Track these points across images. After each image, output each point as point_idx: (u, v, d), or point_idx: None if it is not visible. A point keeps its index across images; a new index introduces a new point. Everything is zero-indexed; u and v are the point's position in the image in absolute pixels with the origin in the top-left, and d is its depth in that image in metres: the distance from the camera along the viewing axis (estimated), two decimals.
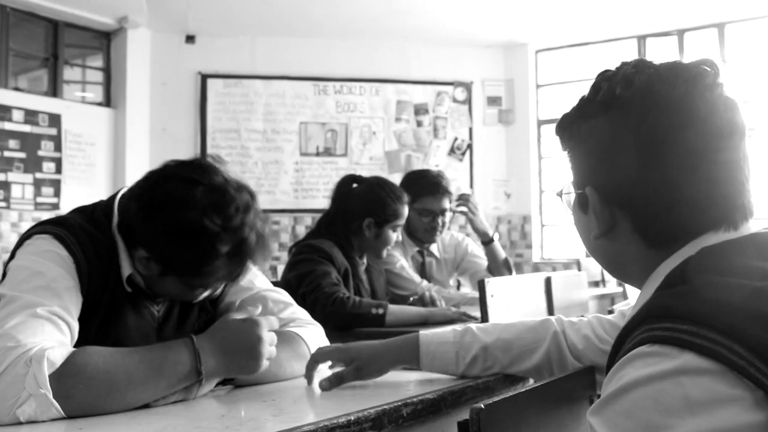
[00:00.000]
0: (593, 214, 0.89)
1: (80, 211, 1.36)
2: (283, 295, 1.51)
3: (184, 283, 1.30)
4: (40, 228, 1.28)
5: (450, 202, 3.17)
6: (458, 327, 1.31)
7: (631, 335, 0.71)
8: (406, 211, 2.67)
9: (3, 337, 1.06)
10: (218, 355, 1.16)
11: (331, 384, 1.25)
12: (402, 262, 3.05)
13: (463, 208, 3.23)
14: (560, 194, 0.96)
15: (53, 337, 1.10)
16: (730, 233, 0.81)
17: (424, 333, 1.30)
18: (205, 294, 1.36)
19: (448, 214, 3.17)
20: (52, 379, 1.02)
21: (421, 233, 3.13)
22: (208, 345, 1.15)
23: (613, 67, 0.91)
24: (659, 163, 0.82)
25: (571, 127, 0.92)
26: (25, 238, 1.27)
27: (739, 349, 0.62)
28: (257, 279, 1.52)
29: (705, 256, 0.78)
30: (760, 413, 0.61)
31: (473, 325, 1.30)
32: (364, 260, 2.70)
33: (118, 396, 1.07)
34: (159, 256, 1.26)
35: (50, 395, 1.01)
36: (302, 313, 1.50)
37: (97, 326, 1.28)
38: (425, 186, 3.10)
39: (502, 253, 3.24)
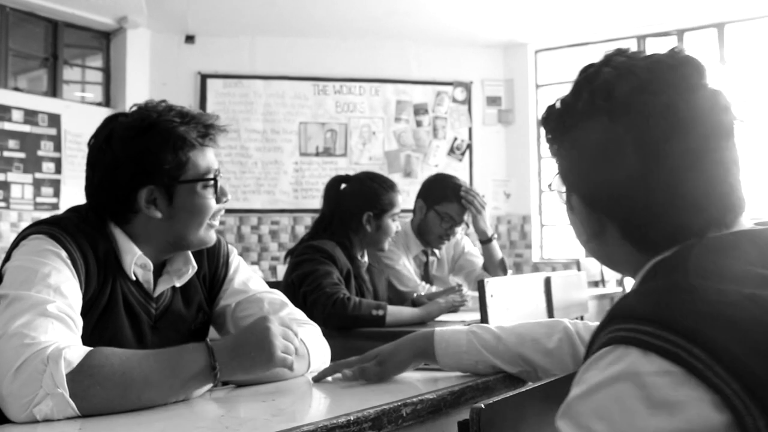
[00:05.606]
0: (580, 219, 0.89)
1: (75, 211, 1.37)
2: (279, 296, 1.51)
3: (191, 191, 1.34)
4: (35, 228, 1.28)
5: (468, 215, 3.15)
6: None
7: (599, 336, 0.71)
8: (399, 198, 2.68)
9: (16, 336, 1.06)
10: (231, 353, 1.15)
11: (354, 375, 1.28)
12: (404, 260, 3.05)
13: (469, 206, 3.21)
14: (551, 188, 0.95)
15: (64, 334, 1.11)
16: (720, 233, 0.79)
17: (439, 328, 1.34)
18: (219, 185, 1.39)
19: (462, 228, 3.16)
20: (68, 378, 1.02)
21: (434, 237, 3.11)
22: (220, 344, 1.16)
23: (596, 61, 0.88)
24: (643, 172, 0.81)
25: (554, 132, 0.91)
26: (20, 238, 1.27)
27: (700, 353, 0.63)
28: (251, 281, 1.52)
29: (679, 255, 0.78)
30: (719, 415, 0.62)
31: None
32: (366, 260, 2.70)
33: (133, 397, 1.07)
34: (145, 173, 1.32)
35: (67, 395, 1.01)
36: (299, 314, 1.51)
37: (94, 323, 1.28)
38: (454, 193, 3.09)
39: (499, 253, 3.23)
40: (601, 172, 0.84)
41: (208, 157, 1.38)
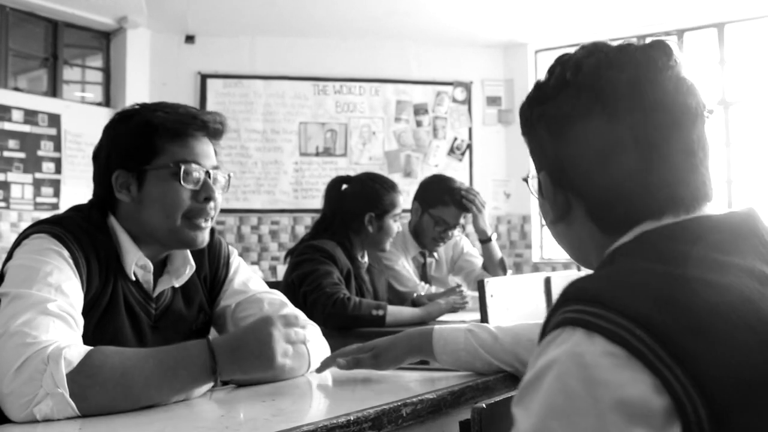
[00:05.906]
0: (547, 199, 0.88)
1: (77, 210, 1.37)
2: (279, 296, 1.51)
3: (160, 178, 1.32)
4: (37, 227, 1.28)
5: (464, 219, 3.13)
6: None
7: (552, 318, 0.71)
8: (401, 199, 2.68)
9: (17, 334, 1.06)
10: (232, 355, 1.15)
11: (348, 365, 1.31)
12: (402, 260, 3.05)
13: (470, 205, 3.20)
14: (526, 179, 0.95)
15: (65, 333, 1.11)
16: (678, 218, 0.78)
17: (438, 326, 1.37)
18: (201, 179, 1.34)
19: (458, 230, 3.14)
20: (68, 378, 1.02)
21: (428, 240, 3.10)
22: (221, 344, 1.15)
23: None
24: (605, 150, 0.80)
25: (525, 113, 0.91)
26: (22, 237, 1.27)
27: (644, 336, 0.62)
28: (251, 282, 1.52)
29: (637, 240, 0.77)
30: (658, 398, 0.61)
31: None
32: (366, 260, 2.70)
33: (132, 397, 1.07)
34: (116, 157, 1.35)
35: (67, 395, 1.01)
36: (299, 313, 1.51)
37: (95, 323, 1.28)
38: (450, 196, 3.06)
39: (499, 253, 3.22)
40: (565, 145, 0.84)
41: (192, 150, 1.34)
